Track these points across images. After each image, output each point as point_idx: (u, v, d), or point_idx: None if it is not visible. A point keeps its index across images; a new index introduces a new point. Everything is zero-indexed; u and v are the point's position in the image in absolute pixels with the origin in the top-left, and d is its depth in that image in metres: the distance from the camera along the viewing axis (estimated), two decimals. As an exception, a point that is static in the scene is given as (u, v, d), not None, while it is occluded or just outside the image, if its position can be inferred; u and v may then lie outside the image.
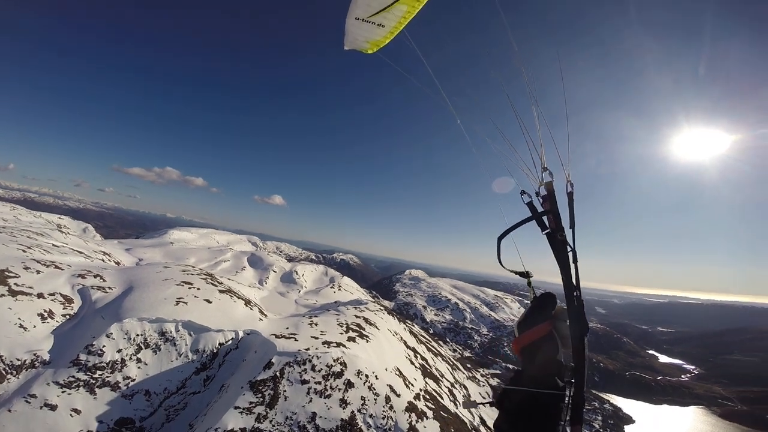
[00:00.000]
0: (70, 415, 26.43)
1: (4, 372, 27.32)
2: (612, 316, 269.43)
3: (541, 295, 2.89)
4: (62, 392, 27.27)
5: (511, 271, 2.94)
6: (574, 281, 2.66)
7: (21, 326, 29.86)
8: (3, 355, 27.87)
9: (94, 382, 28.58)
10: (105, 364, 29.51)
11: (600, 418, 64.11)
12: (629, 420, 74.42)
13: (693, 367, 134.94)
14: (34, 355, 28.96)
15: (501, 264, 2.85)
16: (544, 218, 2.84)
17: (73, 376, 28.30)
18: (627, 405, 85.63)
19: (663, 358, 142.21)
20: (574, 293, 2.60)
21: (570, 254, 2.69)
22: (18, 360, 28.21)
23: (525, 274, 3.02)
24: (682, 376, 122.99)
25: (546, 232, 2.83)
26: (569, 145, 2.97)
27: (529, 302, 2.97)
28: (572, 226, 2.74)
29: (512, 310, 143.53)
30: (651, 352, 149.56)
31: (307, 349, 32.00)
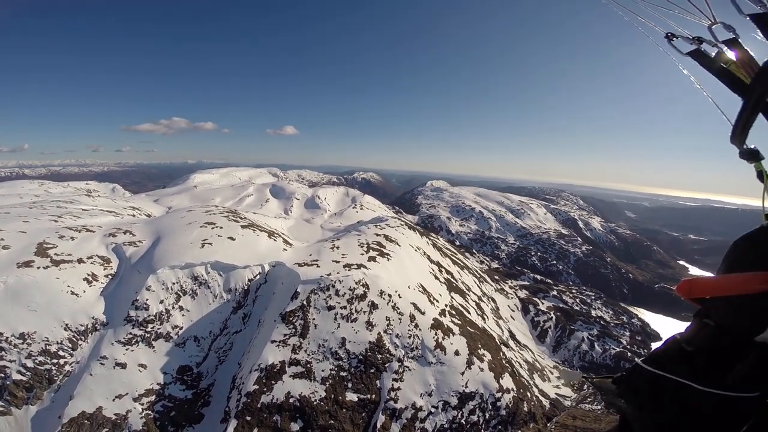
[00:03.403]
0: (139, 370, 29.51)
1: (74, 338, 30.16)
2: (642, 221, 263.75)
3: None
4: (126, 350, 30.14)
5: (744, 151, 1.71)
6: None
7: (72, 293, 32.23)
8: (68, 323, 30.41)
9: (149, 335, 31.43)
10: (153, 317, 32.23)
11: (628, 333, 63.97)
12: (657, 337, 72.39)
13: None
14: (93, 318, 31.57)
15: (739, 137, 1.68)
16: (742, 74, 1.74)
17: (131, 333, 31.07)
18: (655, 320, 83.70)
19: (694, 270, 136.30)
20: None
21: None
22: (81, 325, 30.85)
23: (752, 154, 1.71)
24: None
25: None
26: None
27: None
28: None
29: (538, 216, 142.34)
30: (682, 262, 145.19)
31: (329, 275, 33.61)
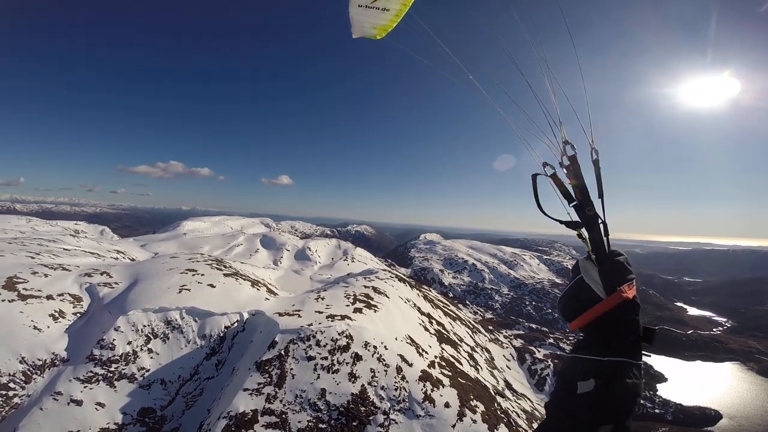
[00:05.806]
0: (96, 408, 27.50)
1: (29, 372, 28.46)
2: (635, 266, 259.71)
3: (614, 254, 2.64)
4: (84, 387, 28.26)
5: (570, 224, 2.71)
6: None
7: (35, 327, 30.73)
8: (25, 356, 28.87)
9: (111, 375, 29.46)
10: (118, 357, 30.27)
11: (632, 377, 63.25)
12: (661, 378, 70.89)
13: (724, 319, 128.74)
14: (53, 354, 29.99)
15: (541, 209, 2.75)
16: (570, 189, 2.70)
17: (92, 371, 29.21)
18: (658, 362, 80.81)
19: (692, 311, 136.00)
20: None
21: (601, 227, 2.58)
22: (39, 360, 29.24)
23: (576, 225, 2.69)
24: (714, 330, 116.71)
25: (573, 204, 2.68)
26: (590, 111, 2.94)
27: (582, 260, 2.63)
28: (601, 196, 2.64)
29: (531, 267, 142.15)
30: (679, 304, 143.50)
31: (310, 325, 31.85)
